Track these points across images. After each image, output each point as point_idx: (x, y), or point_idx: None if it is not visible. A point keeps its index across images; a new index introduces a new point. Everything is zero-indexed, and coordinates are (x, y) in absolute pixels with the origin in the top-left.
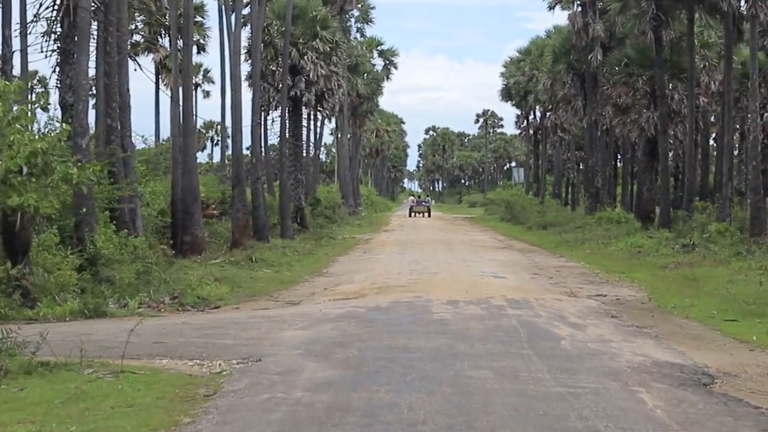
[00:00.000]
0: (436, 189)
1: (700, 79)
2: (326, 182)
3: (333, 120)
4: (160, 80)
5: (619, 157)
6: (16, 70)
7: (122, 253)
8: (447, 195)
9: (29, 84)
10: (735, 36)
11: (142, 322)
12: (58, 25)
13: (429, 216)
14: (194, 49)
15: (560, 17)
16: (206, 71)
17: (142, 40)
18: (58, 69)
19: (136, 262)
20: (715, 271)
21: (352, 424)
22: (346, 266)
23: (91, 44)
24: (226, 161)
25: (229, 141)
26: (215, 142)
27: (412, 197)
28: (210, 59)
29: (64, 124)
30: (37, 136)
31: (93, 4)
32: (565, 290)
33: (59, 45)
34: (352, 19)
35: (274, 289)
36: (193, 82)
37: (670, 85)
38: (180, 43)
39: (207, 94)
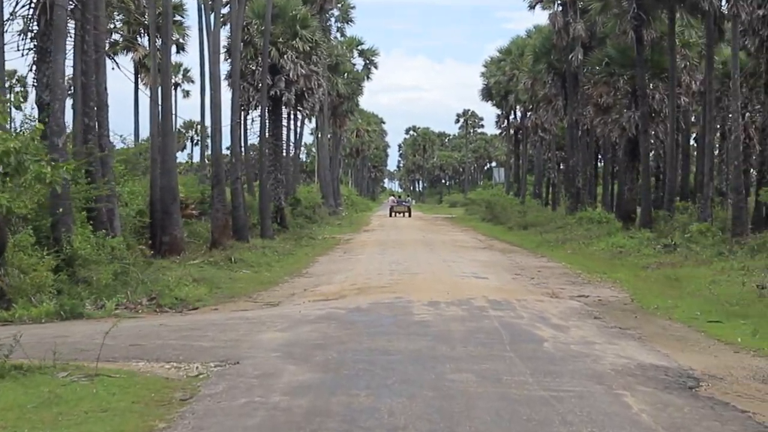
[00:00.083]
0: (417, 189)
1: (681, 78)
2: (306, 182)
3: (313, 120)
4: (139, 80)
5: (599, 157)
6: None
7: (99, 253)
8: (427, 195)
9: (8, 83)
10: (716, 35)
11: (117, 325)
12: (35, 23)
13: (409, 216)
14: (173, 48)
15: (541, 17)
16: (186, 71)
17: (121, 40)
18: (35, 68)
19: (113, 262)
20: (697, 272)
21: (331, 430)
22: (326, 267)
23: (68, 43)
24: (206, 161)
25: (209, 141)
26: (195, 141)
27: (392, 197)
28: (190, 59)
29: (37, 123)
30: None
31: (70, 2)
32: (547, 291)
33: (36, 43)
34: (333, 19)
35: (254, 290)
36: (173, 81)
37: (651, 84)
38: (159, 42)
39: (187, 93)
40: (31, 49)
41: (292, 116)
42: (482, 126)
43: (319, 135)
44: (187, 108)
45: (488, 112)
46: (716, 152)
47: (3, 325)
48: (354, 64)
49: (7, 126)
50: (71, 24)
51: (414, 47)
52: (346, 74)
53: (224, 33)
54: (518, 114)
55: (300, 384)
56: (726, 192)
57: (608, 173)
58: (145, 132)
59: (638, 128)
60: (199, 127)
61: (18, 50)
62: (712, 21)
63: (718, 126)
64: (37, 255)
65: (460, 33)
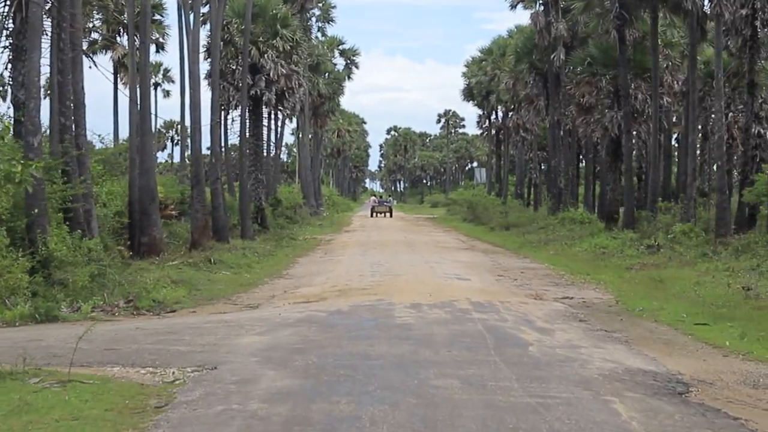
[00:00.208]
0: (398, 189)
1: (664, 78)
2: (287, 182)
3: (294, 120)
4: (118, 79)
5: (581, 157)
6: None
7: (76, 255)
8: (409, 195)
9: None
10: (699, 35)
11: (91, 329)
12: (11, 20)
13: (391, 216)
14: (153, 47)
15: (522, 16)
16: (166, 70)
17: (100, 39)
18: (10, 66)
19: (90, 264)
20: (681, 273)
21: None
22: (306, 268)
23: (45, 41)
24: (186, 161)
25: (189, 141)
26: (176, 141)
27: (373, 197)
28: (170, 58)
29: (3, 121)
30: None
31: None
32: (531, 293)
33: (11, 41)
34: (313, 18)
35: (233, 292)
36: (153, 81)
37: (633, 84)
38: (138, 41)
39: (167, 93)
40: (7, 47)
41: (272, 116)
42: (463, 126)
43: (300, 135)
44: (168, 108)
45: (469, 113)
46: (698, 153)
47: None
48: (335, 64)
49: None
50: (48, 22)
51: (393, 48)
52: (327, 74)
53: (204, 32)
54: (500, 114)
55: (279, 390)
56: (708, 192)
57: (590, 173)
58: (124, 132)
59: (621, 128)
60: (179, 126)
61: None
62: (695, 20)
63: (700, 126)
64: (12, 256)
65: (439, 34)
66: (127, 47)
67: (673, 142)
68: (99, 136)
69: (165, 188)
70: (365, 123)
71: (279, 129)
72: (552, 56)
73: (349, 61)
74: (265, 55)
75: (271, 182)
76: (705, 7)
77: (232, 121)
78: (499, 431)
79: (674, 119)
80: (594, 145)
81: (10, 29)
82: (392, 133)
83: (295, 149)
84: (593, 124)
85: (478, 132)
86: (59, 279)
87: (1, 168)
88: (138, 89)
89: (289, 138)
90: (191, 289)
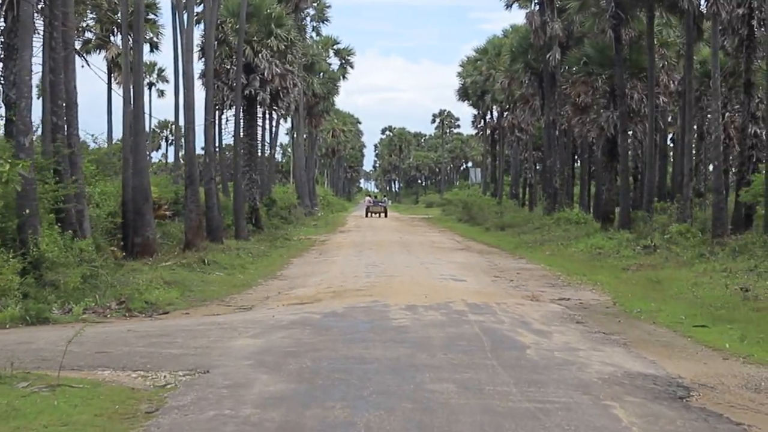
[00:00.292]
0: (393, 189)
1: (660, 78)
2: (282, 182)
3: (289, 119)
4: (112, 79)
5: (576, 157)
6: None
7: (67, 256)
8: (403, 195)
9: None
10: (695, 34)
11: (81, 332)
12: (1, 19)
13: (385, 216)
14: (147, 47)
15: (517, 16)
16: (161, 70)
17: (93, 38)
18: (1, 65)
19: (82, 265)
20: (678, 274)
21: None
22: (301, 269)
23: (37, 40)
24: (181, 161)
25: (183, 140)
26: (170, 141)
27: (368, 197)
28: (165, 58)
29: None
30: None
31: None
32: (527, 294)
33: (2, 40)
34: (308, 18)
35: (226, 293)
36: (148, 81)
37: (630, 84)
38: (132, 40)
39: (161, 93)
40: None
41: (267, 116)
42: (458, 126)
43: (295, 135)
44: (162, 108)
45: (464, 113)
46: (693, 152)
47: None
48: (330, 64)
49: None
50: (41, 22)
51: (389, 48)
52: (321, 74)
53: (198, 31)
54: (495, 114)
55: (272, 395)
56: (704, 192)
57: (585, 173)
58: (118, 132)
59: (616, 128)
60: (173, 126)
61: None
62: (692, 20)
63: (695, 126)
64: (2, 257)
65: (435, 34)
66: (120, 47)
67: (668, 142)
68: (92, 135)
69: (159, 188)
70: (360, 123)
71: (273, 129)
72: (548, 56)
73: (343, 61)
74: (260, 55)
75: (266, 182)
76: (701, 7)
77: (227, 120)
78: None
79: (669, 119)
80: (589, 145)
81: (2, 28)
82: (387, 133)
83: (289, 149)
84: (589, 123)
85: (473, 132)
86: (50, 280)
87: None
88: (131, 88)
89: (283, 138)
90: (184, 290)
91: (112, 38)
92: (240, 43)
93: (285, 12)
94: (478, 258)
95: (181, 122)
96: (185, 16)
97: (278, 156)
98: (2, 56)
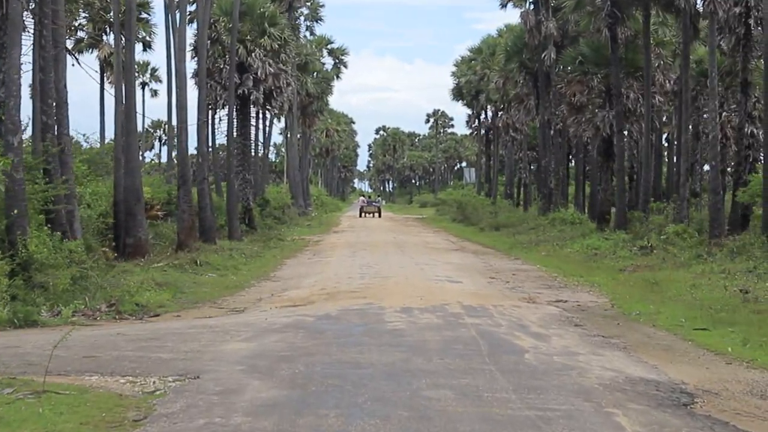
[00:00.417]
0: (387, 189)
1: (655, 77)
2: (276, 182)
3: (282, 119)
4: (105, 79)
5: (570, 157)
6: None
7: (57, 257)
8: (397, 195)
9: None
10: (691, 33)
11: (67, 337)
12: None
13: (379, 216)
14: (140, 46)
15: (512, 15)
16: (154, 70)
17: (86, 37)
18: None
19: (71, 267)
20: (676, 275)
21: None
22: (294, 270)
23: (28, 39)
24: (174, 161)
25: (176, 140)
26: (163, 141)
27: (362, 197)
28: (158, 58)
29: None
30: None
31: None
32: (524, 296)
33: None
34: (302, 17)
35: (219, 295)
36: (141, 81)
37: (625, 83)
38: (123, 39)
39: (155, 93)
40: None
41: (260, 115)
42: (452, 126)
43: (289, 134)
44: (156, 107)
45: (458, 113)
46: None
47: None
48: (323, 64)
49: None
50: (31, 20)
51: (383, 48)
52: (315, 73)
53: (191, 31)
54: (489, 114)
55: (264, 402)
56: (699, 193)
57: (580, 173)
58: (111, 132)
59: (612, 128)
60: (166, 126)
61: None
62: (688, 18)
63: (690, 126)
64: None
65: (429, 34)
66: (113, 46)
67: (663, 142)
68: (84, 135)
69: (151, 188)
70: (354, 123)
71: (267, 128)
72: (543, 55)
73: (337, 61)
74: (253, 54)
75: (259, 182)
76: (698, 5)
77: (220, 120)
78: None
79: (664, 119)
80: (584, 145)
81: None
82: (381, 133)
83: (283, 149)
84: (585, 123)
85: (467, 132)
86: (39, 282)
87: None
88: (123, 87)
89: (277, 138)
90: (176, 292)
91: (104, 37)
92: (233, 42)
93: (278, 11)
94: (473, 259)
95: (174, 122)
96: (178, 15)
97: (272, 156)
98: None
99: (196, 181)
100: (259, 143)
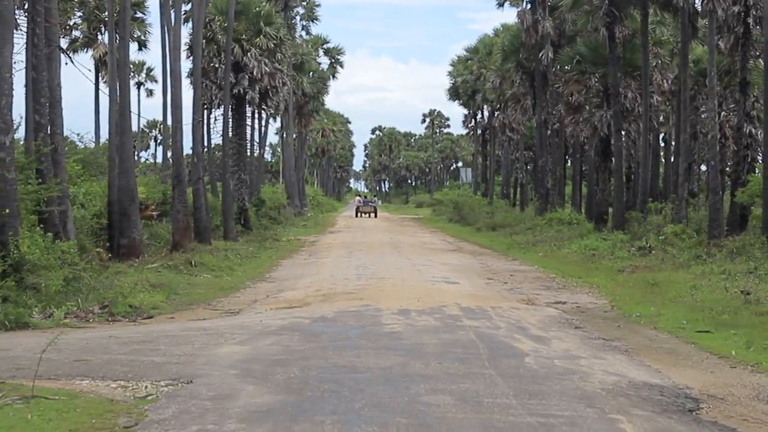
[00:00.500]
0: (383, 189)
1: (653, 77)
2: (271, 182)
3: (278, 119)
4: (100, 78)
5: (567, 157)
6: None
7: (49, 258)
8: (393, 195)
9: None
10: (690, 32)
11: (56, 341)
12: None
13: (376, 216)
14: (135, 46)
15: (509, 15)
16: (149, 69)
17: (81, 36)
18: None
19: (64, 268)
20: (675, 276)
21: None
22: (290, 271)
23: (21, 37)
24: (169, 161)
25: (171, 140)
26: (159, 141)
27: (358, 197)
28: (154, 58)
29: None
30: None
31: None
32: (522, 297)
33: None
34: (297, 17)
35: (213, 297)
36: (137, 80)
37: (623, 83)
38: (117, 38)
39: (150, 92)
40: None
41: (256, 115)
42: (448, 126)
43: (284, 134)
44: (152, 107)
45: (454, 113)
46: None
47: None
48: (319, 63)
49: None
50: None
51: (378, 48)
52: (311, 73)
53: (187, 30)
54: (485, 113)
55: (258, 408)
56: (697, 193)
57: (577, 174)
58: (106, 132)
59: (610, 127)
60: (162, 126)
61: None
62: (687, 17)
63: (688, 126)
64: None
65: (424, 34)
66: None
67: (660, 142)
68: (78, 135)
69: (146, 188)
70: (350, 123)
71: (263, 128)
72: (540, 54)
73: (333, 60)
74: (249, 54)
75: (255, 182)
76: (696, 4)
77: (215, 120)
78: None
79: (660, 119)
80: (581, 144)
81: None
82: (377, 133)
83: (279, 149)
84: (582, 123)
85: (464, 132)
86: (31, 283)
87: None
88: (118, 86)
89: (273, 138)
90: (170, 293)
91: (99, 37)
92: (228, 42)
93: (274, 10)
94: (470, 259)
95: (170, 122)
96: (173, 14)
97: (267, 156)
98: None
99: (191, 181)
100: (255, 143)
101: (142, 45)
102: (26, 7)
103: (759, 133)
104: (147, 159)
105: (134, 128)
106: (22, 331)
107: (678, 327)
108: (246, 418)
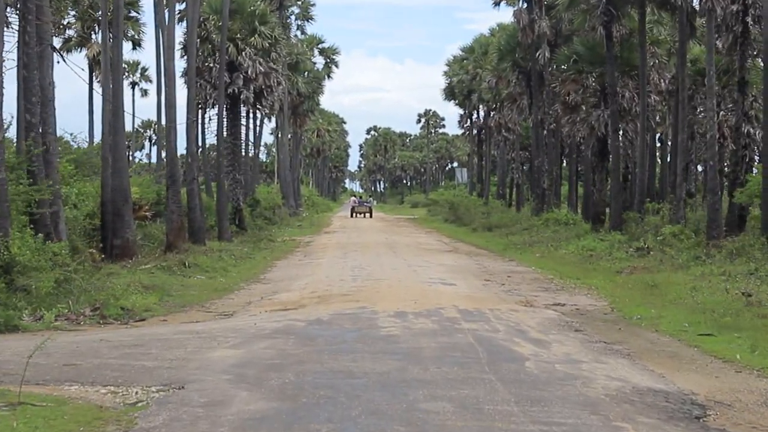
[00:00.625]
0: (378, 189)
1: (650, 77)
2: (266, 182)
3: (273, 119)
4: (93, 78)
5: (563, 157)
6: None
7: (40, 259)
8: (389, 195)
9: None
10: (688, 31)
11: (43, 346)
12: None
13: (371, 216)
14: (129, 45)
15: (505, 14)
16: (144, 69)
17: (75, 36)
18: None
19: (55, 269)
20: (675, 277)
21: None
22: (284, 272)
23: (12, 35)
24: (164, 161)
25: (165, 140)
26: (153, 141)
27: (353, 198)
28: (149, 58)
29: None
30: None
31: None
32: (521, 299)
33: None
34: (293, 16)
35: (207, 298)
36: (131, 80)
37: (620, 82)
38: (111, 36)
39: (145, 92)
40: None
41: (251, 115)
42: (443, 126)
43: (279, 134)
44: (146, 107)
45: (450, 113)
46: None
47: None
48: (314, 63)
49: None
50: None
51: (374, 48)
52: (306, 73)
53: (181, 29)
54: (481, 113)
55: (252, 416)
56: (694, 193)
57: (573, 174)
58: (100, 131)
59: (607, 127)
60: (156, 126)
61: None
62: (685, 16)
63: (686, 126)
64: None
65: (421, 34)
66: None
67: (656, 142)
68: (71, 135)
69: (140, 188)
70: (345, 123)
71: (257, 128)
72: (537, 54)
73: (328, 60)
74: (243, 53)
75: (250, 182)
76: (694, 3)
77: (210, 120)
78: None
79: (657, 118)
80: (577, 145)
81: None
82: (372, 133)
83: (274, 149)
84: (579, 123)
85: (459, 132)
86: (22, 285)
87: None
88: (110, 86)
89: (268, 137)
90: (163, 295)
91: (93, 36)
92: (223, 41)
93: (269, 9)
94: (466, 260)
95: (164, 121)
96: (167, 13)
97: (262, 156)
98: None
99: (185, 181)
100: (250, 143)
101: (137, 44)
102: (17, 4)
103: (757, 133)
104: (141, 159)
105: (129, 128)
106: (11, 334)
107: (680, 330)
108: (239, 426)
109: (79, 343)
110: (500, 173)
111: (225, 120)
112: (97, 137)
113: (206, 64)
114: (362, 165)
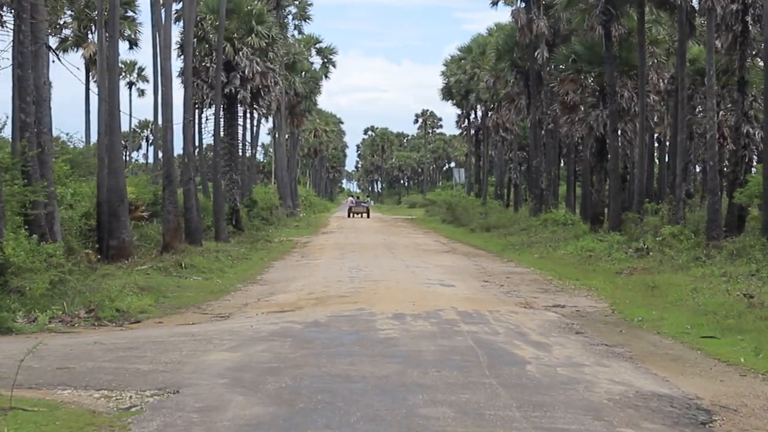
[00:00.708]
0: (375, 189)
1: (649, 76)
2: (263, 183)
3: (270, 119)
4: (90, 78)
5: (560, 157)
6: None
7: (34, 261)
8: (386, 195)
9: None
10: (687, 31)
11: (36, 349)
12: None
13: (368, 217)
14: (126, 45)
15: (503, 14)
16: (141, 69)
17: (71, 35)
18: None
19: (50, 270)
20: (675, 278)
21: None
22: (281, 273)
23: (7, 34)
24: (160, 161)
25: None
26: (150, 141)
27: (351, 198)
28: (145, 58)
29: None
30: None
31: None
32: (520, 301)
33: None
34: (290, 16)
35: (203, 300)
36: (128, 80)
37: (619, 82)
38: (107, 36)
39: (142, 92)
40: None
41: (248, 115)
42: (441, 126)
43: (277, 134)
44: (144, 107)
45: (447, 113)
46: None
47: None
48: (312, 63)
49: None
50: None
51: (371, 48)
52: (303, 73)
53: (178, 29)
54: (479, 113)
55: (247, 421)
56: (693, 193)
57: (571, 174)
58: (96, 131)
59: (606, 127)
60: (153, 126)
61: None
62: (684, 16)
63: (685, 126)
64: None
65: (418, 34)
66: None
67: (654, 142)
68: (68, 134)
69: (137, 189)
70: (342, 123)
71: (255, 128)
72: (535, 54)
73: (326, 60)
74: (240, 53)
75: (247, 183)
76: (693, 2)
77: (207, 120)
78: None
79: (655, 118)
80: (575, 145)
81: None
82: (369, 133)
83: (271, 149)
84: (578, 123)
85: (456, 132)
86: (16, 287)
87: None
88: (107, 85)
89: (265, 138)
90: (159, 296)
91: (90, 36)
92: (220, 41)
93: (266, 9)
94: (465, 261)
95: (161, 121)
96: (163, 13)
97: (259, 156)
98: None
99: (182, 182)
100: (247, 143)
101: (133, 44)
102: (12, 3)
103: (757, 133)
104: (138, 159)
105: (125, 128)
106: (4, 336)
107: (682, 332)
108: None
109: (73, 346)
110: (498, 173)
111: (222, 120)
112: (94, 137)
113: (203, 63)
114: (359, 165)
